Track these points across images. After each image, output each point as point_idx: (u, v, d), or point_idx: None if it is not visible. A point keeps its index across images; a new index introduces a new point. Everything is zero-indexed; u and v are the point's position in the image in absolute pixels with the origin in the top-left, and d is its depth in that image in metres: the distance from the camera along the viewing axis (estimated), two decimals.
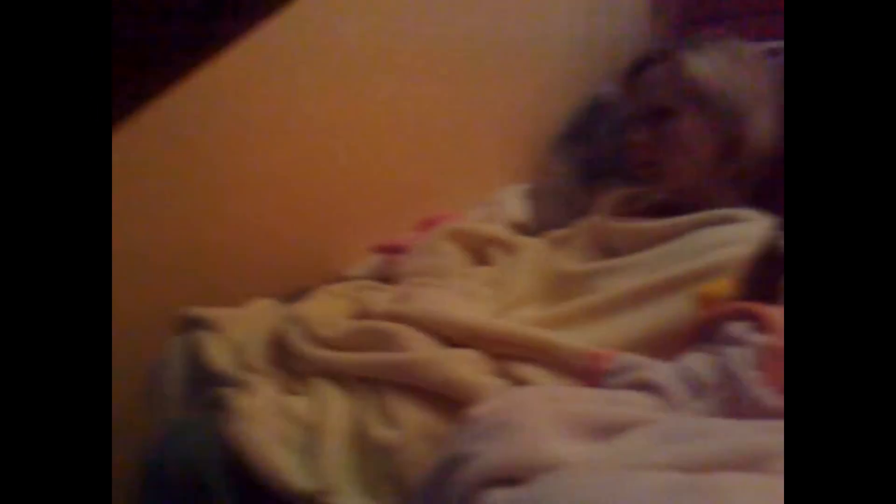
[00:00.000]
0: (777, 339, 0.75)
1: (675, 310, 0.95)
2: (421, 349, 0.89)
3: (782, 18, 1.48)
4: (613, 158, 1.46)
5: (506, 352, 0.92)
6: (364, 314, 1.04)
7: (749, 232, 0.98)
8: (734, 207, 1.10)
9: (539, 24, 1.66)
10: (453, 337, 0.93)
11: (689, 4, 1.62)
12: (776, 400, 0.68)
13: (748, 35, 1.23)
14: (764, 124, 1.15)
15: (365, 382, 0.90)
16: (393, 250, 1.42)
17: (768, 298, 0.82)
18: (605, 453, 0.60)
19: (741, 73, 1.16)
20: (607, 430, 0.64)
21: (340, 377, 0.92)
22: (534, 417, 0.61)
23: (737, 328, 0.76)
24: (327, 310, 1.07)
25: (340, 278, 1.35)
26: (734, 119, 1.14)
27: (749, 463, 0.57)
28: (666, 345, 0.87)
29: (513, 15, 1.63)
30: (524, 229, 1.52)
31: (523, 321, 1.03)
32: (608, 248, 1.18)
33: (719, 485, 0.48)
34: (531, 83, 1.67)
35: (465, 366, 0.87)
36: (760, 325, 0.77)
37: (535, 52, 1.66)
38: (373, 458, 0.82)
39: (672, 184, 1.16)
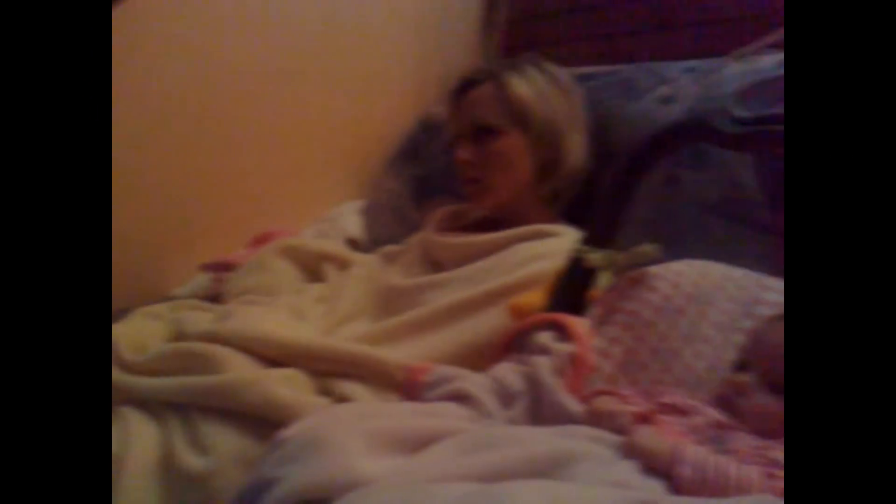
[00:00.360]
0: (579, 347, 0.79)
1: (491, 322, 0.99)
2: (238, 370, 0.86)
3: (597, 44, 1.60)
4: (444, 176, 1.50)
5: (328, 369, 0.90)
6: (180, 336, 0.99)
7: (559, 246, 1.03)
8: (549, 223, 1.16)
9: (372, 45, 1.68)
10: (274, 356, 0.91)
11: (512, 30, 1.70)
12: (577, 405, 0.72)
13: (564, 61, 1.31)
14: (577, 147, 1.23)
15: (175, 408, 0.85)
16: (222, 268, 1.36)
17: (575, 309, 0.87)
18: (412, 467, 0.60)
19: (559, 97, 1.23)
20: (417, 444, 0.64)
21: (148, 404, 0.87)
22: (342, 436, 0.60)
23: (543, 337, 0.80)
24: (139, 332, 1.00)
25: (164, 298, 1.28)
26: (552, 141, 1.20)
27: (548, 468, 0.59)
28: (484, 356, 0.89)
29: (346, 35, 1.63)
30: (359, 245, 1.52)
31: (351, 337, 1.03)
32: (435, 263, 1.20)
33: (507, 492, 0.49)
34: (365, 102, 1.68)
35: (285, 385, 0.85)
36: (565, 333, 0.81)
37: (370, 71, 1.67)
38: (181, 489, 0.78)
39: (494, 200, 1.20)
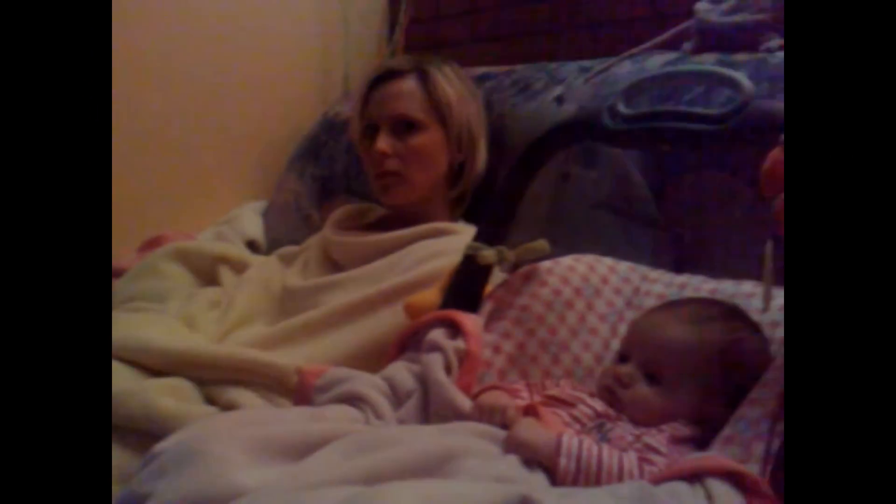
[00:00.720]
0: (470, 344, 0.80)
1: (389, 322, 0.98)
2: (117, 381, 0.82)
3: (495, 45, 1.61)
4: (345, 176, 1.48)
5: (215, 376, 0.88)
6: None
7: (457, 244, 1.03)
8: (450, 222, 1.17)
9: (273, 43, 1.64)
10: (157, 366, 0.87)
11: (412, 30, 1.70)
12: (467, 401, 0.72)
13: (463, 61, 1.32)
14: (483, 152, 1.23)
15: None
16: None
17: (469, 305, 0.88)
18: (294, 474, 0.59)
19: (472, 100, 1.23)
20: (302, 450, 0.63)
21: None
22: (219, 446, 0.58)
23: (435, 335, 0.80)
24: None
25: None
26: (468, 143, 1.20)
27: (432, 466, 0.59)
28: (382, 356, 0.89)
29: (246, 33, 1.59)
30: (259, 247, 1.49)
31: (244, 341, 1.00)
32: (334, 264, 1.19)
33: (383, 493, 0.49)
34: (266, 102, 1.64)
35: (168, 396, 0.82)
36: (457, 330, 0.82)
37: (270, 70, 1.64)
38: None
39: (409, 196, 1.18)
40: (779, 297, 0.81)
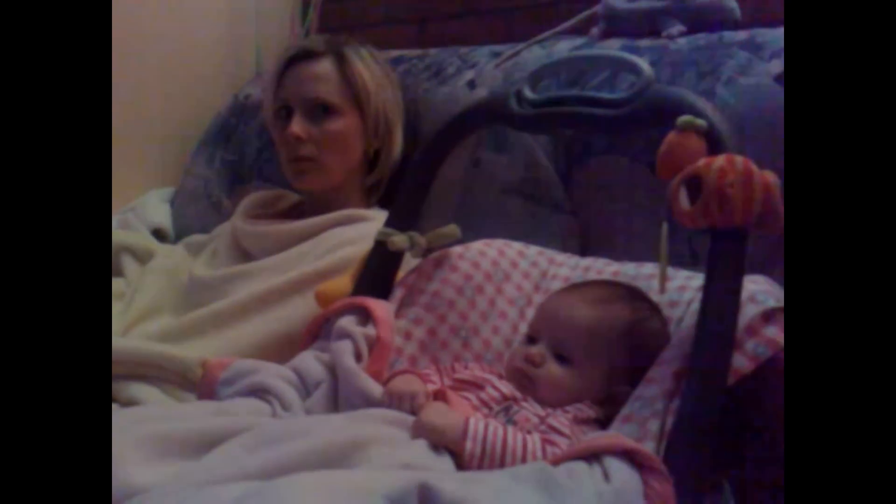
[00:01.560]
0: (380, 330, 0.79)
1: (300, 311, 0.97)
2: None
3: (409, 28, 1.60)
4: (257, 161, 1.45)
5: (117, 372, 0.85)
6: None
7: (370, 230, 1.03)
8: (364, 209, 1.15)
9: (178, 20, 1.58)
10: None
11: (325, 10, 1.66)
12: (377, 388, 0.72)
13: (377, 44, 1.30)
14: (399, 139, 1.20)
15: None
16: None
17: (380, 292, 0.88)
18: (192, 471, 0.58)
19: (389, 86, 1.20)
20: (203, 445, 0.62)
21: None
22: (114, 445, 0.56)
23: (344, 322, 0.80)
24: None
25: None
26: (384, 130, 1.17)
27: (337, 456, 0.59)
28: (293, 346, 0.88)
29: (150, 10, 1.52)
30: (166, 236, 1.43)
31: (150, 335, 0.97)
32: (244, 253, 1.16)
33: (282, 488, 0.48)
34: (174, 83, 1.58)
35: None
36: (368, 317, 0.81)
37: (175, 49, 1.57)
38: None
39: (324, 182, 1.15)
40: (675, 278, 0.85)
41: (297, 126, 1.12)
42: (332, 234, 1.08)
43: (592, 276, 0.89)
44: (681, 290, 0.83)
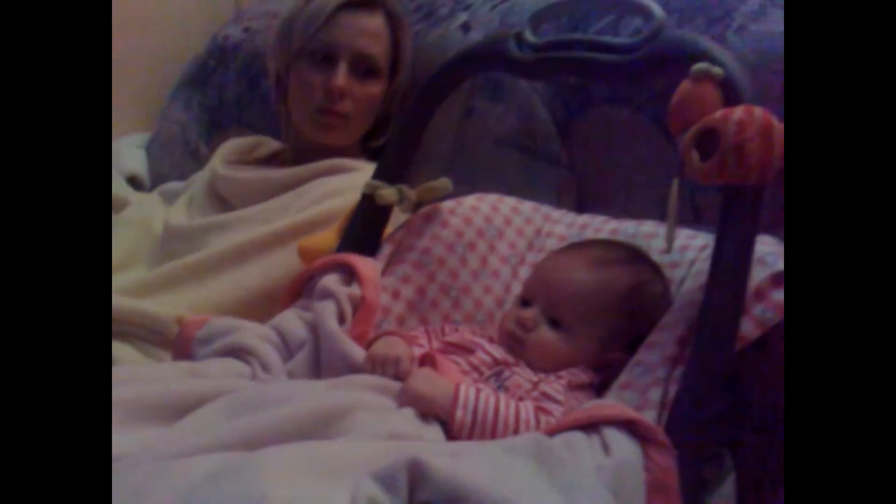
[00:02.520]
0: (365, 289, 0.75)
1: (282, 265, 0.92)
2: None
3: None
4: (237, 106, 1.38)
5: None
6: None
7: (358, 181, 0.97)
8: (352, 158, 1.09)
9: None
10: None
11: None
12: (361, 352, 0.68)
13: None
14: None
15: None
16: None
17: (367, 248, 0.83)
18: (169, 438, 0.54)
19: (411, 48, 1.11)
20: (179, 409, 0.58)
21: None
22: None
23: (328, 281, 0.75)
24: None
25: None
26: (400, 101, 1.10)
27: (319, 425, 0.55)
28: (273, 303, 0.83)
29: None
30: (142, 184, 1.37)
31: (122, 288, 0.92)
32: (223, 201, 1.10)
33: (260, 460, 0.45)
34: (148, 23, 1.49)
35: None
36: (353, 275, 0.77)
37: None
38: None
39: (346, 140, 1.08)
40: (676, 236, 0.81)
41: (343, 79, 1.04)
42: (318, 185, 1.03)
43: (589, 234, 0.85)
44: (682, 249, 0.79)
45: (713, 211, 0.75)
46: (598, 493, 0.48)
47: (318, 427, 0.55)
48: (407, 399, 0.59)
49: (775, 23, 0.84)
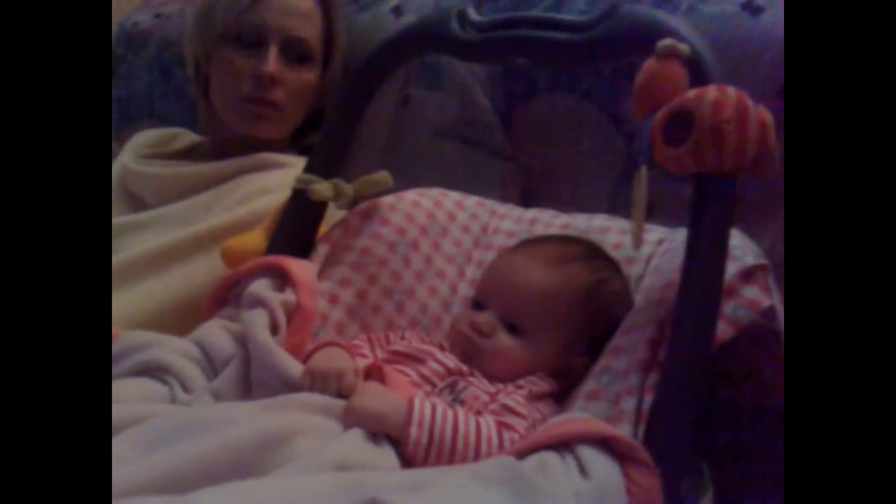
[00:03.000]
0: (300, 295, 0.68)
1: (203, 272, 0.83)
2: None
3: None
4: (148, 97, 1.27)
5: None
6: None
7: (288, 178, 0.89)
8: (281, 153, 1.00)
9: None
10: None
11: None
12: (298, 366, 0.61)
13: None
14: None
15: None
16: None
17: (299, 250, 0.75)
18: None
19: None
20: None
21: None
22: None
23: (257, 286, 0.67)
24: None
25: None
26: (331, 89, 1.01)
27: (255, 455, 0.48)
28: (194, 314, 0.74)
29: None
30: None
31: None
32: (135, 199, 1.00)
33: None
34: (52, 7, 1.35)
35: None
36: (286, 279, 0.69)
37: None
38: None
39: (278, 133, 0.99)
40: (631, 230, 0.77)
41: (274, 64, 0.94)
42: (243, 182, 0.94)
43: (539, 229, 0.80)
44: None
45: (668, 203, 0.72)
46: None
47: (252, 458, 0.48)
48: (354, 418, 0.52)
49: (727, 3, 0.81)
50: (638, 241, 0.58)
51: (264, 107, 0.96)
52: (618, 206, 0.84)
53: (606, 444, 0.48)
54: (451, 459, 0.52)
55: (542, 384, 0.61)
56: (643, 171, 0.55)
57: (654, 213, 0.83)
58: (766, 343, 0.62)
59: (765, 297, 0.58)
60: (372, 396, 0.54)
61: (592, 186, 0.88)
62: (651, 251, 0.73)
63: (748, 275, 0.59)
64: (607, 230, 0.77)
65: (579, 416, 0.52)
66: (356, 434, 0.52)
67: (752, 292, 0.58)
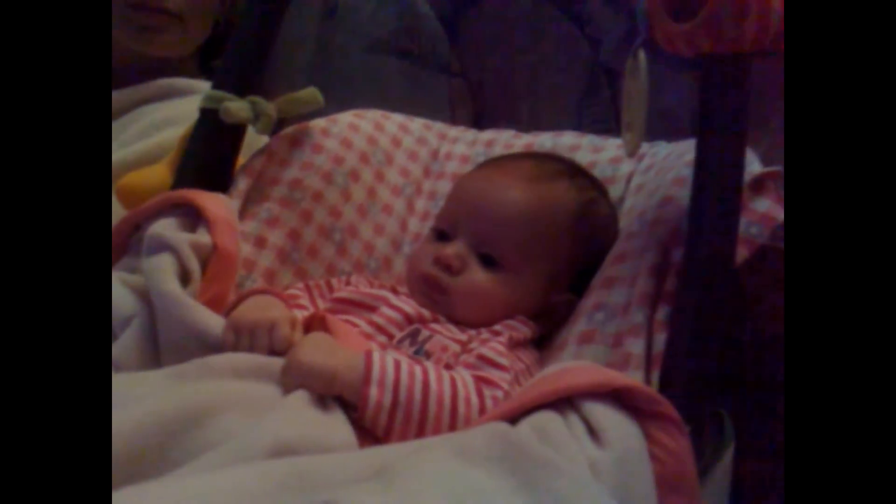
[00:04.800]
0: (218, 236, 0.55)
1: None
2: None
3: None
4: None
5: None
6: None
7: (195, 107, 0.76)
8: (188, 76, 0.88)
9: None
10: None
11: None
12: (219, 321, 0.49)
13: None
14: None
15: None
16: None
17: (213, 182, 0.63)
18: None
19: None
20: None
21: None
22: None
23: (162, 226, 0.54)
24: None
25: None
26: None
27: (169, 436, 0.38)
28: None
29: None
30: None
31: None
32: None
33: None
34: None
35: None
36: (198, 218, 0.57)
37: None
38: None
39: (179, 49, 0.88)
40: (604, 147, 0.68)
41: None
42: (144, 113, 0.84)
43: (498, 151, 0.70)
44: (614, 162, 0.66)
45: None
46: None
47: (165, 444, 0.37)
48: (296, 378, 0.42)
49: None
50: (634, 147, 0.48)
51: (157, 16, 0.85)
52: (585, 121, 0.76)
53: (619, 399, 0.38)
54: (421, 427, 0.42)
55: (522, 329, 0.52)
56: (641, 56, 0.44)
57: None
58: (771, 265, 0.54)
59: (779, 208, 0.49)
60: (317, 349, 0.43)
61: (555, 101, 0.79)
62: (631, 168, 0.64)
63: (758, 184, 0.50)
64: (577, 148, 0.68)
65: (579, 365, 0.42)
66: (298, 401, 0.41)
67: (763, 205, 0.49)
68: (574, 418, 0.37)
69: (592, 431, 0.36)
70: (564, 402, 0.38)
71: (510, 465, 0.33)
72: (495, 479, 0.32)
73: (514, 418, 0.38)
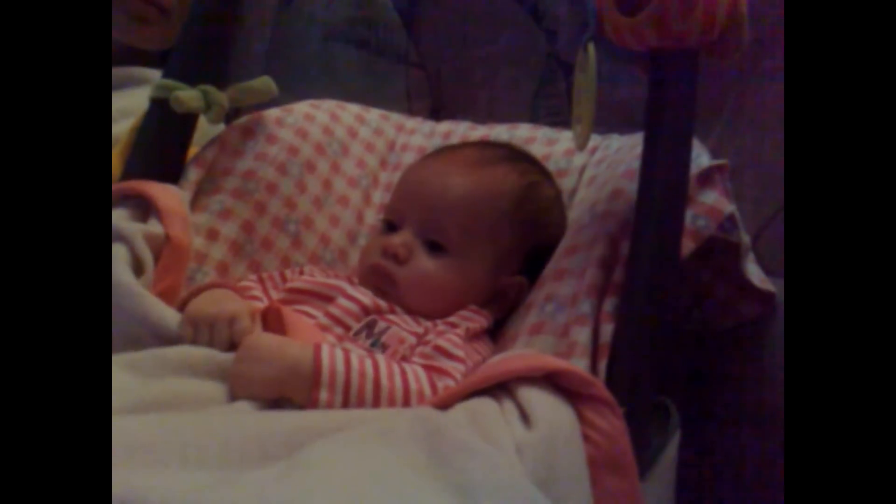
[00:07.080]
0: (169, 227, 0.54)
1: None
2: None
3: None
4: None
5: None
6: None
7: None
8: (144, 66, 0.85)
9: None
10: None
11: None
12: (173, 315, 0.48)
13: None
14: None
15: None
16: None
17: (163, 173, 0.61)
18: None
19: None
20: None
21: None
22: None
23: (113, 217, 0.53)
24: None
25: None
26: None
27: None
28: None
29: None
30: None
31: None
32: None
33: None
34: None
35: None
36: (149, 209, 0.56)
37: None
38: None
39: (162, 42, 0.84)
40: (558, 139, 0.68)
41: None
42: None
43: (455, 142, 0.70)
44: (568, 154, 0.66)
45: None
46: (520, 492, 0.33)
47: None
48: (240, 392, 0.41)
49: None
50: (583, 140, 0.48)
51: (149, 7, 0.83)
52: (541, 113, 0.76)
53: (553, 382, 0.38)
54: None
55: (478, 319, 0.52)
56: (591, 50, 0.45)
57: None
58: (722, 258, 0.55)
59: (726, 202, 0.50)
60: (257, 360, 0.42)
61: (512, 93, 0.78)
62: (584, 161, 0.65)
63: (705, 177, 0.51)
64: (532, 140, 0.68)
65: (518, 353, 0.43)
66: (244, 408, 0.40)
67: (710, 197, 0.50)
68: (508, 403, 0.38)
69: (524, 415, 0.37)
70: (501, 387, 0.38)
71: (427, 445, 0.33)
72: (407, 462, 0.32)
73: (447, 406, 0.38)
